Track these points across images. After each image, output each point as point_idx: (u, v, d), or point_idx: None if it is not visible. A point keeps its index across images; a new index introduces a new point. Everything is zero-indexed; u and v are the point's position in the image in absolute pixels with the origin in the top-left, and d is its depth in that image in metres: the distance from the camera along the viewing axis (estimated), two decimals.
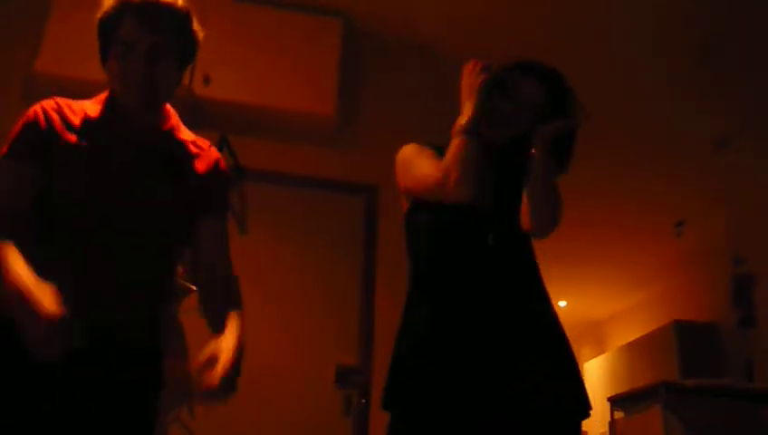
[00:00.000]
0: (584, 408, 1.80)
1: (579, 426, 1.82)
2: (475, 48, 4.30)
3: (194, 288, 2.94)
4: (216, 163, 1.89)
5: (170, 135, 1.84)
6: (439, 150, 1.94)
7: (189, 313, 2.99)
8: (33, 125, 1.67)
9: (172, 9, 1.75)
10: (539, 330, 1.84)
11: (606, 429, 6.32)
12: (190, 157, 1.84)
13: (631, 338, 7.57)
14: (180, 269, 2.86)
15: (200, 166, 1.85)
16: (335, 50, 3.97)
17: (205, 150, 1.88)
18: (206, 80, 3.65)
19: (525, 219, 1.87)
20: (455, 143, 1.84)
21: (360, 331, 3.73)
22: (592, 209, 6.11)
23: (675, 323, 6.66)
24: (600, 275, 7.78)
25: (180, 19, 1.77)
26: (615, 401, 5.96)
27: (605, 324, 9.24)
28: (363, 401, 3.54)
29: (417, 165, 1.95)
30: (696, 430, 4.96)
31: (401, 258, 3.98)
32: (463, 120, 1.87)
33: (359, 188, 4.02)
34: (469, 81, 1.90)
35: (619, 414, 5.97)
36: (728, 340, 6.29)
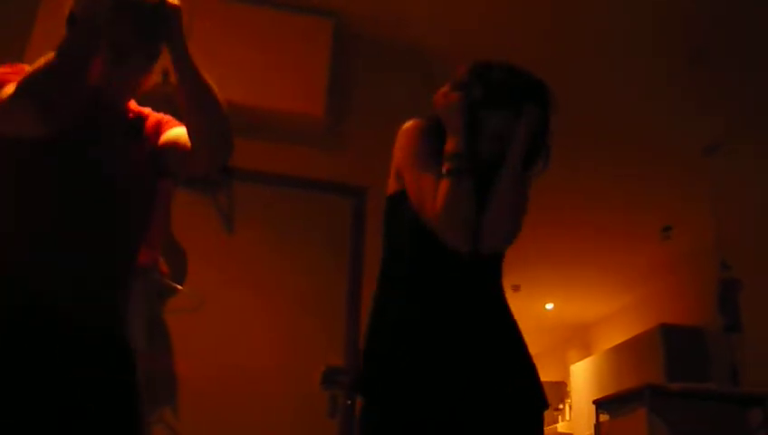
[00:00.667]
0: (544, 401, 1.85)
1: (542, 416, 1.87)
2: (466, 50, 4.31)
3: (179, 288, 2.94)
4: (159, 117, 1.97)
5: (128, 108, 1.93)
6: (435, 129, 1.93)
7: (175, 313, 2.99)
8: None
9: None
10: (509, 337, 1.88)
11: (591, 431, 6.34)
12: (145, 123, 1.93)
13: (618, 341, 7.61)
14: (165, 268, 2.85)
15: (149, 125, 1.93)
16: (326, 50, 3.96)
17: (153, 115, 1.97)
18: None
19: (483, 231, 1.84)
20: (445, 184, 1.80)
21: (347, 332, 3.72)
22: (580, 212, 6.14)
23: (661, 326, 6.69)
24: (587, 278, 7.80)
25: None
26: (600, 404, 5.98)
27: (592, 327, 9.26)
28: (349, 401, 3.53)
29: (420, 180, 1.87)
30: (681, 434, 4.99)
31: None
32: (450, 148, 1.84)
33: (347, 189, 4.02)
34: (446, 105, 1.90)
35: (604, 417, 5.99)
36: (714, 344, 6.33)
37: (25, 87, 1.55)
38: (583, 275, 7.71)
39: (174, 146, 1.86)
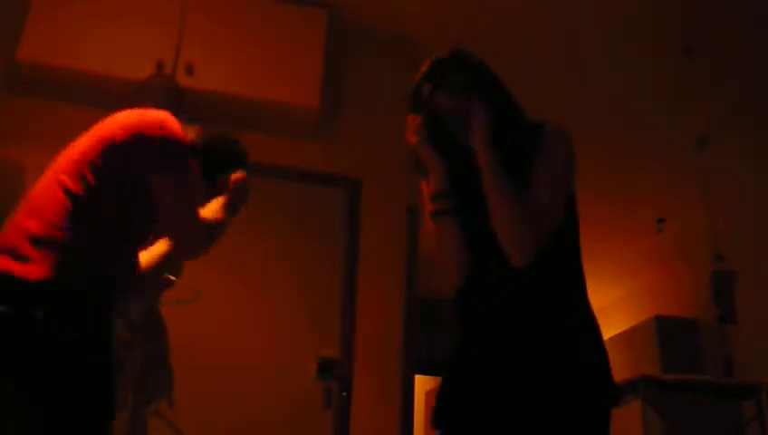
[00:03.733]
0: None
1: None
2: (461, 41, 4.30)
3: (175, 280, 2.94)
4: None
5: None
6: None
7: (171, 305, 2.99)
8: None
9: None
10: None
11: None
12: None
13: (613, 333, 7.62)
14: None
15: None
16: (320, 42, 3.95)
17: None
18: (190, 70, 3.63)
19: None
20: (432, 228, 1.80)
21: (342, 324, 3.72)
22: None
23: (656, 318, 6.70)
24: None
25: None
26: None
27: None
28: (344, 393, 3.54)
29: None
30: (675, 425, 5.00)
31: (383, 252, 4.00)
32: (431, 190, 1.81)
33: (342, 180, 4.01)
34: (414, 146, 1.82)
35: None
36: (708, 336, 6.34)
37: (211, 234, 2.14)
38: None
39: None
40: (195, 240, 2.08)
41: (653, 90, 4.64)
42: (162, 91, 3.45)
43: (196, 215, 2.04)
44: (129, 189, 1.91)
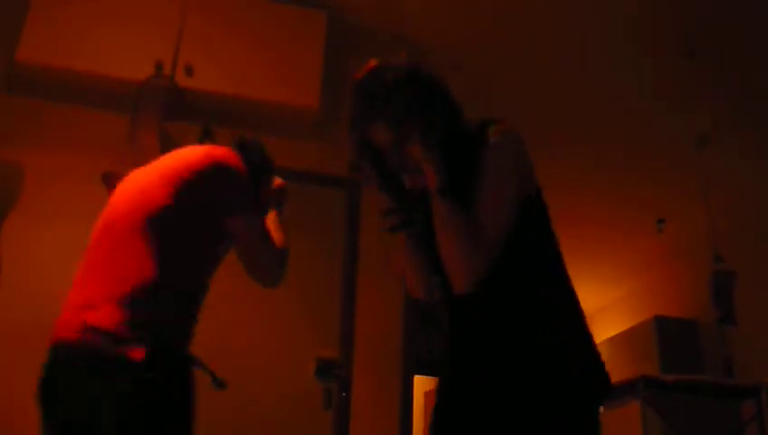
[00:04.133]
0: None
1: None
2: (461, 41, 4.31)
3: None
4: None
5: None
6: None
7: None
8: None
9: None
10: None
11: None
12: None
13: (613, 333, 7.62)
14: None
15: None
16: (320, 42, 3.95)
17: None
18: (189, 70, 3.62)
19: None
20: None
21: (342, 324, 3.72)
22: (574, 206, 6.14)
23: (656, 318, 6.70)
24: (581, 271, 7.78)
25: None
26: None
27: (587, 319, 9.25)
28: (344, 394, 3.53)
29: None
30: (675, 425, 5.00)
31: (383, 252, 3.99)
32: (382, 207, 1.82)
33: (341, 181, 4.01)
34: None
35: None
36: (708, 336, 6.34)
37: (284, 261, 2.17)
38: (578, 268, 7.65)
39: None
40: (276, 271, 2.15)
41: (653, 90, 4.64)
42: (162, 92, 3.45)
43: (274, 247, 2.09)
44: (205, 230, 1.96)
